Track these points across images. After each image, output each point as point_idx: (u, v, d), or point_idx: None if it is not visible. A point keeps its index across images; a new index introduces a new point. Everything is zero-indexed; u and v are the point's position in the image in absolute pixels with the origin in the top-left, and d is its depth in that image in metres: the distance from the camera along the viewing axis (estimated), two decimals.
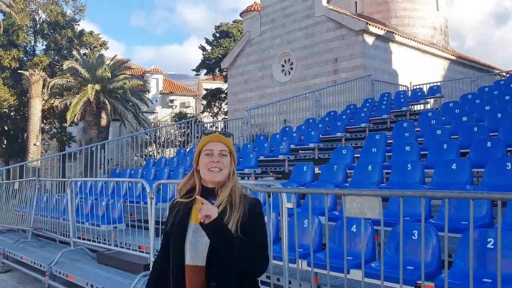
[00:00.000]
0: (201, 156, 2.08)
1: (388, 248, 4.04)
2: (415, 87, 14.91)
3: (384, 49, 17.77)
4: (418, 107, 13.23)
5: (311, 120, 12.04)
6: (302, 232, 4.59)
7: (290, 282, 4.09)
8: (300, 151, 9.97)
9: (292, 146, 9.54)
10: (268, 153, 9.67)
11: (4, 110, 27.64)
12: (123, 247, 6.32)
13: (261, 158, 9.34)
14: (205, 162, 2.05)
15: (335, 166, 6.70)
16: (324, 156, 9.20)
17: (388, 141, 8.19)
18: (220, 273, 1.95)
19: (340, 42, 17.21)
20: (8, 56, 27.90)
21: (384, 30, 17.91)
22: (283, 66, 19.50)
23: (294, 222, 3.65)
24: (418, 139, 7.77)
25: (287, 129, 11.70)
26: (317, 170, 7.11)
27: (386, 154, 7.29)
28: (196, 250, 1.97)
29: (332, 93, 13.88)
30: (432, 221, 4.47)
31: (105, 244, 6.76)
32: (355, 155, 7.58)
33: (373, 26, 17.30)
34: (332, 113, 12.29)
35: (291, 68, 19.05)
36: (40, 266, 6.84)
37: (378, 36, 17.40)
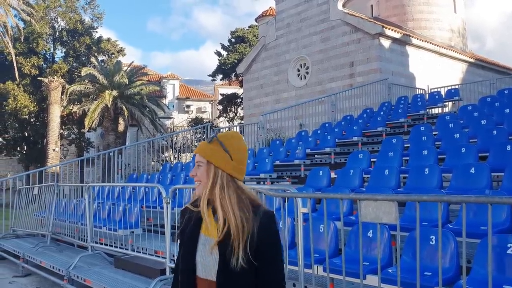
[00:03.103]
0: None
1: (405, 254, 3.99)
2: (432, 90, 14.74)
3: (401, 52, 17.62)
4: (436, 111, 13.08)
5: (327, 125, 11.99)
6: (318, 237, 4.56)
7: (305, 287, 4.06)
8: (316, 156, 9.93)
9: (308, 151, 9.50)
10: (284, 157, 9.65)
11: (24, 116, 28.16)
12: (140, 252, 6.37)
13: (277, 162, 9.33)
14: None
15: (352, 171, 6.65)
16: (340, 160, 9.15)
17: (405, 145, 8.10)
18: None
19: (356, 45, 17.12)
20: (28, 63, 28.46)
21: (401, 33, 17.78)
22: (298, 70, 19.47)
23: (310, 227, 3.63)
24: (436, 143, 7.67)
25: (303, 133, 11.67)
26: (333, 175, 7.07)
27: (403, 158, 7.21)
28: (206, 264, 1.87)
29: (348, 97, 13.81)
30: (450, 226, 4.40)
31: (122, 248, 6.82)
32: (372, 160, 7.51)
33: (389, 29, 17.19)
34: (348, 117, 12.23)
35: (307, 73, 19.02)
36: (59, 270, 6.93)
37: (394, 40, 17.28)
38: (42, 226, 9.45)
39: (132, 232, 6.82)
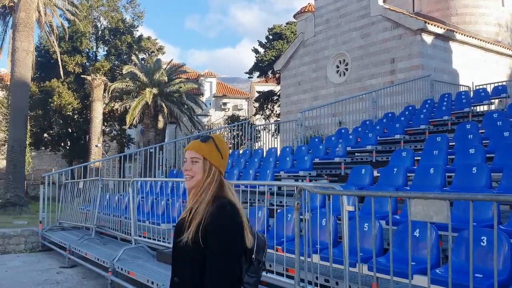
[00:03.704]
0: None
1: (454, 254, 3.87)
2: (477, 87, 14.25)
3: (444, 48, 17.11)
4: (481, 108, 12.63)
5: (367, 122, 11.80)
6: (363, 236, 4.49)
7: (349, 287, 4.01)
8: (356, 154, 9.79)
9: (349, 149, 9.38)
10: (323, 155, 9.56)
11: (68, 113, 29.12)
12: None
13: (316, 160, 9.25)
14: (182, 170, 2.20)
15: (395, 169, 6.52)
16: (382, 159, 8.98)
17: (450, 144, 7.87)
18: (181, 269, 2.03)
19: (397, 41, 16.75)
20: (72, 61, 29.40)
21: (444, 28, 17.25)
22: (337, 67, 19.25)
23: (356, 225, 3.57)
24: (483, 142, 7.41)
25: (342, 131, 11.53)
26: (375, 173, 6.95)
27: (448, 157, 7.01)
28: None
29: (390, 94, 13.53)
30: (502, 227, 4.24)
31: (165, 242, 6.94)
32: (415, 158, 7.34)
33: (432, 24, 16.71)
34: (389, 115, 11.99)
35: (346, 69, 18.77)
36: (103, 262, 7.13)
37: (437, 35, 16.79)
38: (86, 219, 9.75)
39: (174, 226, 6.92)
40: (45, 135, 31.04)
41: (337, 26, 19.07)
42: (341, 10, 18.97)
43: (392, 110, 12.71)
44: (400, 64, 16.61)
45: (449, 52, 17.30)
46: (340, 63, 19.15)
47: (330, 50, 19.38)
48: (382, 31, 17.28)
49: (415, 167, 6.73)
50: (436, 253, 4.02)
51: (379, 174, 6.83)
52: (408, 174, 6.54)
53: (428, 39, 16.56)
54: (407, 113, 11.86)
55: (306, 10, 23.88)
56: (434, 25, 16.85)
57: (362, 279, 4.13)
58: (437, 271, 3.75)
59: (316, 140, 11.30)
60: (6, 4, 20.94)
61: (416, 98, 13.63)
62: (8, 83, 25.46)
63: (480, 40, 18.68)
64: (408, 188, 6.11)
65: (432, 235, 3.99)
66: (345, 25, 18.73)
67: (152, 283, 5.65)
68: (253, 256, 2.11)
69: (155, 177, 11.97)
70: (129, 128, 28.70)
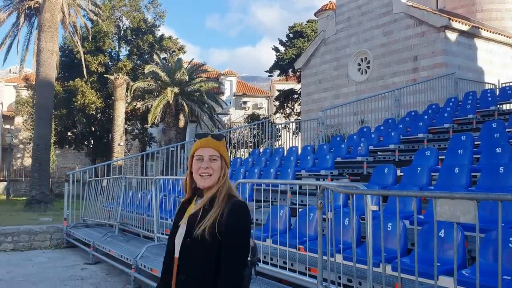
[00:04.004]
0: (193, 160, 2.14)
1: (481, 255, 3.80)
2: (504, 85, 13.92)
3: (468, 45, 16.78)
4: (508, 107, 12.34)
5: (390, 121, 11.65)
6: (386, 235, 4.43)
7: (373, 287, 3.97)
8: (378, 153, 9.68)
9: (371, 148, 9.27)
10: (345, 154, 9.48)
11: (92, 112, 29.58)
12: None
13: (338, 159, 9.17)
14: (196, 168, 2.10)
15: (419, 168, 6.42)
16: (405, 158, 8.86)
17: (475, 143, 7.71)
18: (190, 266, 2.01)
19: (420, 39, 16.50)
20: (95, 61, 29.85)
21: (469, 25, 16.92)
22: (359, 65, 19.07)
23: (381, 225, 3.53)
24: (510, 140, 7.24)
25: (364, 129, 11.42)
26: (398, 173, 6.86)
27: (474, 156, 6.86)
28: (178, 243, 2.09)
29: (413, 92, 13.33)
30: None
31: None
32: (440, 157, 7.21)
33: (456, 21, 16.41)
34: (412, 113, 11.81)
35: (368, 67, 18.58)
36: (127, 259, 7.22)
37: (461, 32, 16.48)
38: (110, 217, 9.89)
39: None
40: (69, 133, 31.60)
41: (359, 24, 18.90)
42: (362, 7, 18.79)
43: (415, 109, 12.52)
44: (423, 62, 16.37)
45: (474, 49, 16.97)
46: (362, 61, 18.97)
47: (352, 48, 19.22)
48: (404, 28, 17.06)
49: (439, 167, 6.61)
50: (462, 254, 3.95)
51: (402, 174, 6.73)
52: (432, 174, 6.44)
53: (452, 36, 16.27)
54: (430, 111, 11.67)
55: (327, 8, 23.71)
56: (459, 22, 16.54)
57: (386, 279, 4.08)
58: (464, 272, 3.68)
59: (338, 139, 11.21)
60: (32, 6, 21.40)
61: (440, 96, 13.40)
62: (34, 83, 25.99)
63: (507, 36, 18.26)
64: (432, 187, 6.01)
65: (458, 235, 3.91)
66: (367, 22, 18.55)
67: None
68: (248, 258, 2.13)
69: (176, 175, 12.06)
70: (150, 127, 29.02)
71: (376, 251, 4.10)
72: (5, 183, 32.34)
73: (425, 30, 16.40)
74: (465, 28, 16.52)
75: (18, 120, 36.72)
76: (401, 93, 12.94)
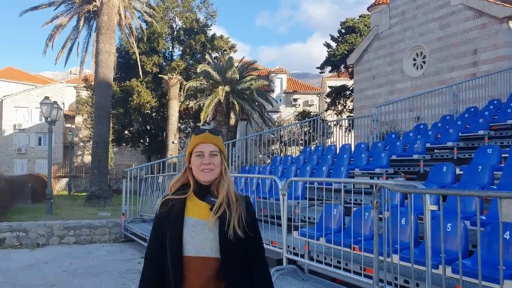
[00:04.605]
0: (192, 156, 2.14)
1: None
2: None
3: None
4: None
5: (448, 117, 11.20)
6: (445, 236, 4.27)
7: None
8: (436, 151, 9.33)
9: (428, 145, 8.95)
10: (401, 152, 9.21)
11: (147, 111, 30.54)
12: None
13: (393, 157, 8.93)
14: (197, 163, 2.12)
15: (480, 167, 6.13)
16: (464, 156, 8.50)
17: None
18: (231, 263, 2.05)
19: (480, 31, 15.74)
20: (150, 62, 30.77)
21: None
22: (414, 60, 18.47)
23: (440, 225, 3.40)
24: None
25: (421, 126, 11.05)
26: (457, 171, 6.59)
27: None
28: (199, 242, 2.04)
29: (472, 87, 12.75)
30: None
31: None
32: (503, 155, 6.85)
33: None
34: (472, 109, 11.30)
35: (424, 62, 17.96)
36: None
37: None
38: None
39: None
40: (126, 132, 32.79)
41: (414, 18, 18.30)
42: (417, 1, 18.16)
43: (474, 104, 11.97)
44: (483, 55, 15.60)
45: None
46: (417, 55, 18.36)
47: (407, 43, 18.64)
48: (463, 21, 16.32)
49: (503, 165, 6.28)
50: None
51: (461, 172, 6.46)
52: (494, 173, 6.13)
53: None
54: (491, 107, 11.10)
55: (380, 2, 23.12)
56: None
57: (446, 281, 3.94)
58: None
59: (393, 136, 10.91)
60: (91, 9, 22.35)
61: (502, 91, 12.72)
62: (93, 83, 27.16)
63: None
64: (494, 187, 5.72)
65: None
66: (422, 16, 17.92)
67: None
68: None
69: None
70: (202, 125, 29.54)
71: (434, 252, 3.96)
72: (66, 179, 34.11)
73: (485, 22, 15.61)
74: None
75: (79, 119, 38.57)
76: (459, 88, 12.40)
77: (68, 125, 40.76)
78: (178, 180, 2.21)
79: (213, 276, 2.03)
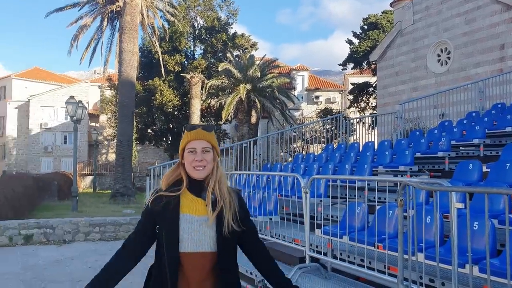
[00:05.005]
0: (185, 152, 2.16)
1: None
2: None
3: None
4: None
5: (474, 114, 10.97)
6: (472, 235, 4.19)
7: None
8: (461, 148, 9.15)
9: (453, 142, 8.78)
10: (425, 149, 9.06)
11: (169, 110, 30.82)
12: (279, 239, 6.53)
13: (417, 155, 8.79)
14: (189, 160, 2.14)
15: (508, 164, 5.98)
16: (491, 153, 8.31)
17: None
18: (226, 255, 2.14)
19: (507, 26, 15.35)
20: (172, 61, 31.04)
21: None
22: (438, 55, 18.15)
23: (467, 223, 3.34)
24: None
25: (446, 123, 10.85)
26: (484, 169, 6.45)
27: None
28: (197, 238, 2.09)
29: (499, 83, 12.45)
30: None
31: (262, 234, 7.06)
32: None
33: None
34: (499, 106, 11.03)
35: (448, 58, 17.63)
36: None
37: None
38: None
39: (271, 219, 7.01)
40: (149, 130, 33.17)
41: (438, 13, 17.97)
42: None
43: (501, 101, 11.68)
44: (511, 50, 15.23)
45: None
46: (442, 51, 18.04)
47: (431, 39, 18.33)
48: (490, 15, 15.96)
49: None
50: None
51: (488, 170, 6.32)
52: None
53: None
54: None
55: None
56: None
57: (473, 281, 3.86)
58: None
59: (417, 133, 10.74)
60: (114, 9, 22.67)
61: None
62: (116, 83, 27.55)
63: None
64: None
65: None
66: (446, 11, 17.59)
67: (251, 273, 5.78)
68: None
69: (249, 170, 12.22)
70: (224, 123, 29.69)
71: (460, 251, 3.89)
72: (91, 177, 34.74)
73: None
74: None
75: (103, 118, 39.22)
76: (485, 85, 12.12)
77: (93, 124, 41.50)
78: (169, 176, 2.22)
79: (211, 269, 2.11)
